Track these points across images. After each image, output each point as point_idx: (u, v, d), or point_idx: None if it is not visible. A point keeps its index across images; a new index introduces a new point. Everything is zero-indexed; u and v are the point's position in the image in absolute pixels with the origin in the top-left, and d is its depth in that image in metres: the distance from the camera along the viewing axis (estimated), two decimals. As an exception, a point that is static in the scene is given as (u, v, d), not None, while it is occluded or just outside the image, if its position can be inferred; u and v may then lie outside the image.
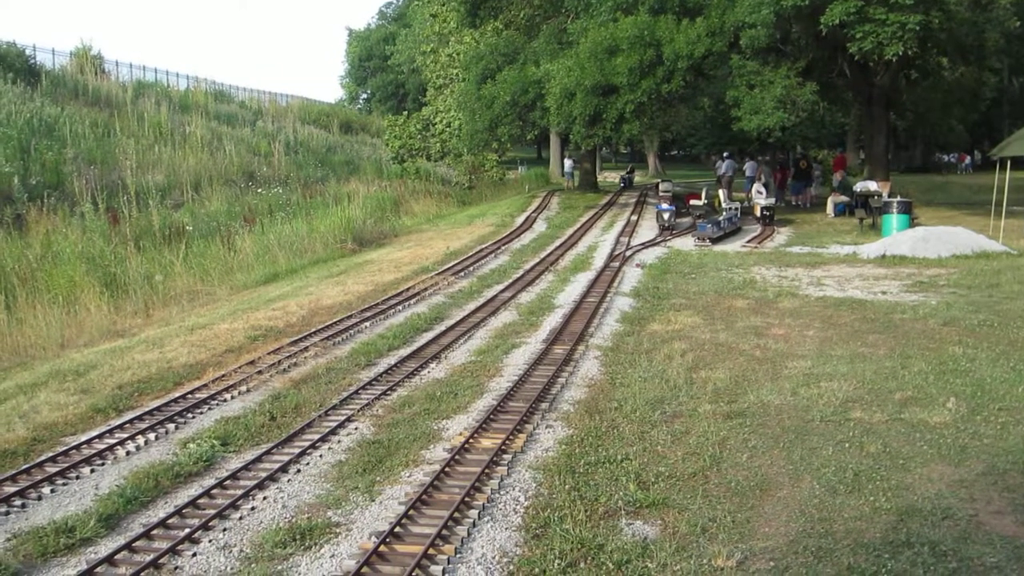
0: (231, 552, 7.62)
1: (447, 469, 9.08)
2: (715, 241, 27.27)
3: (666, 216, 30.02)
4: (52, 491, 8.99)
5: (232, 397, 12.15)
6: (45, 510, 8.55)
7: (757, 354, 13.45)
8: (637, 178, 57.31)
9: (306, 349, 14.62)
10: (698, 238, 27.35)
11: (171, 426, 10.97)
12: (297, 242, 28.53)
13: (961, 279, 19.10)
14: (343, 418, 11.00)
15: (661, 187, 35.60)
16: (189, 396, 12.11)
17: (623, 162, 75.77)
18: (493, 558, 7.36)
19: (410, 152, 52.72)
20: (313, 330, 15.98)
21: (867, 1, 27.08)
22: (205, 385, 12.59)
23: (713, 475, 8.85)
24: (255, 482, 8.97)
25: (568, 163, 53.36)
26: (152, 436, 10.60)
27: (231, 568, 7.35)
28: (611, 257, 24.14)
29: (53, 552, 7.65)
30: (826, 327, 15.15)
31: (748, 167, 40.33)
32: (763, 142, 42.75)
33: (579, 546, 7.38)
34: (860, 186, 30.83)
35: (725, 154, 44.36)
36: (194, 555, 7.56)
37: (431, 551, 7.34)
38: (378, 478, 9.15)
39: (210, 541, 7.81)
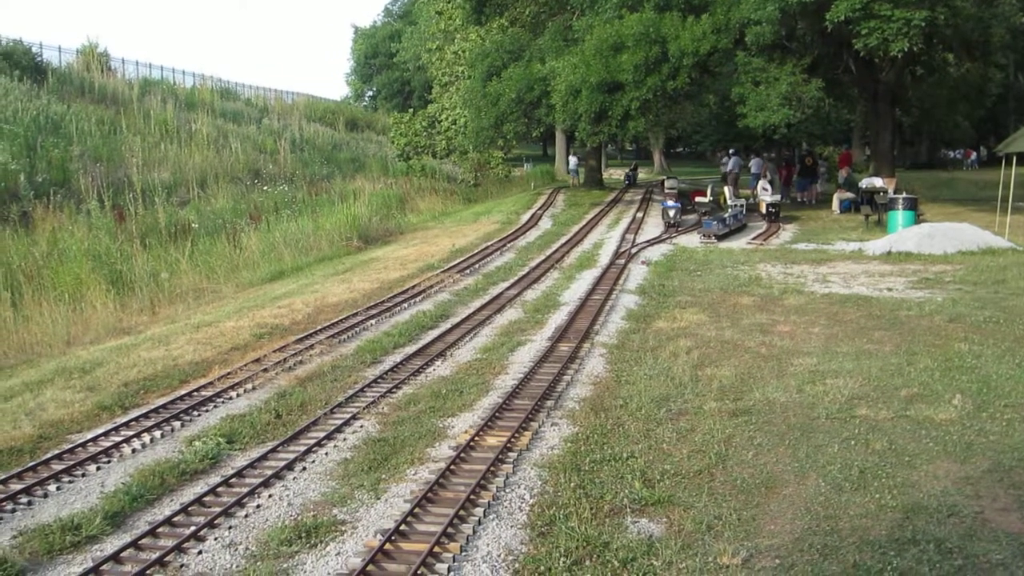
0: (237, 550, 7.63)
1: (452, 467, 9.09)
2: (721, 238, 27.24)
3: (671, 213, 30.00)
4: (58, 489, 9.02)
5: (238, 395, 12.17)
6: (51, 508, 8.57)
7: (763, 351, 13.44)
8: (642, 175, 57.29)
9: (312, 347, 14.64)
10: (704, 235, 27.33)
11: (177, 424, 10.99)
12: (303, 240, 28.56)
13: (967, 275, 19.06)
14: (349, 416, 11.02)
15: (667, 184, 35.56)
16: (195, 394, 12.13)
17: (628, 159, 75.79)
18: (499, 556, 7.36)
19: (416, 149, 52.73)
20: (319, 328, 15.99)
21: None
22: (211, 383, 12.62)
23: (718, 473, 8.85)
24: (261, 480, 8.99)
25: (573, 160, 53.33)
26: (158, 434, 10.62)
27: (237, 566, 7.36)
28: (616, 254, 24.13)
29: (59, 550, 7.67)
30: (832, 324, 15.13)
31: (754, 164, 40.26)
32: (768, 139, 42.58)
33: (584, 544, 7.38)
34: (866, 182, 30.73)
35: (731, 151, 44.31)
36: (200, 553, 7.57)
37: (436, 549, 7.35)
38: (384, 476, 9.16)
39: (216, 539, 7.83)
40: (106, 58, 50.45)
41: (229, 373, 13.08)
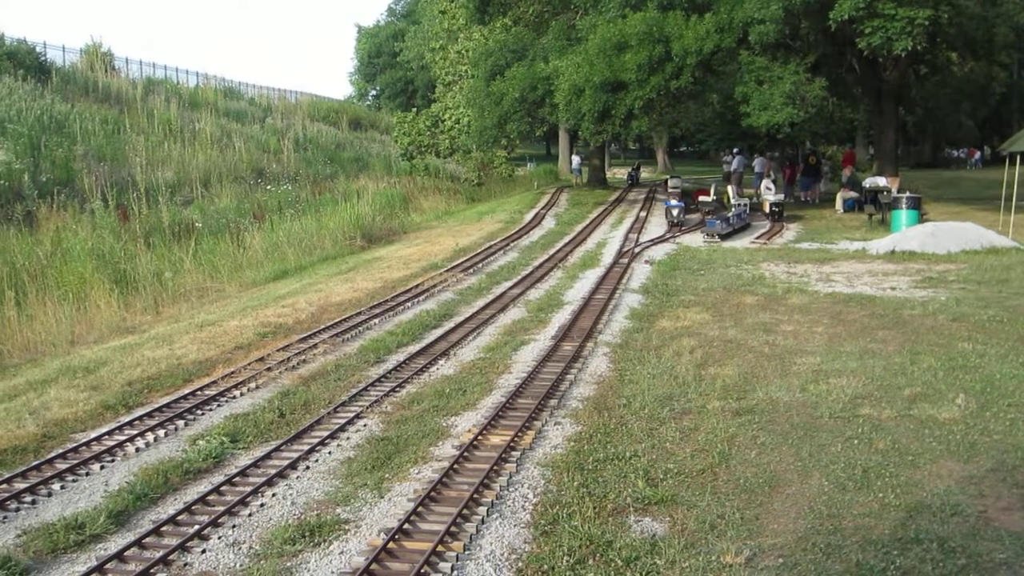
0: (240, 549, 7.65)
1: (456, 466, 9.09)
2: (724, 237, 27.22)
3: (675, 212, 29.99)
4: (62, 487, 9.03)
5: (241, 394, 12.19)
6: (55, 506, 8.59)
7: (766, 350, 13.44)
8: (646, 174, 57.24)
9: (315, 346, 14.65)
10: (707, 234, 27.31)
11: (180, 423, 11.01)
12: (306, 239, 28.58)
13: (970, 275, 19.04)
14: (352, 415, 11.03)
15: (670, 183, 35.55)
16: (198, 393, 12.15)
17: (632, 158, 75.75)
18: (502, 555, 7.37)
19: (419, 149, 52.72)
20: (322, 327, 16.01)
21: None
22: (214, 382, 12.64)
23: (722, 472, 8.85)
24: (264, 479, 9.00)
25: (576, 159, 53.32)
26: (162, 433, 10.64)
27: (240, 565, 7.37)
28: (620, 253, 24.12)
29: (63, 548, 7.69)
30: (835, 323, 15.12)
31: (757, 163, 40.23)
32: (772, 138, 42.60)
33: (588, 543, 7.39)
34: (869, 182, 30.73)
35: (735, 150, 44.28)
36: (203, 552, 7.58)
37: (440, 548, 7.35)
38: (387, 475, 9.17)
39: (219, 538, 7.84)
40: (110, 57, 50.50)
41: (233, 372, 13.10)
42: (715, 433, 9.88)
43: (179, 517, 8.19)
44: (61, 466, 9.49)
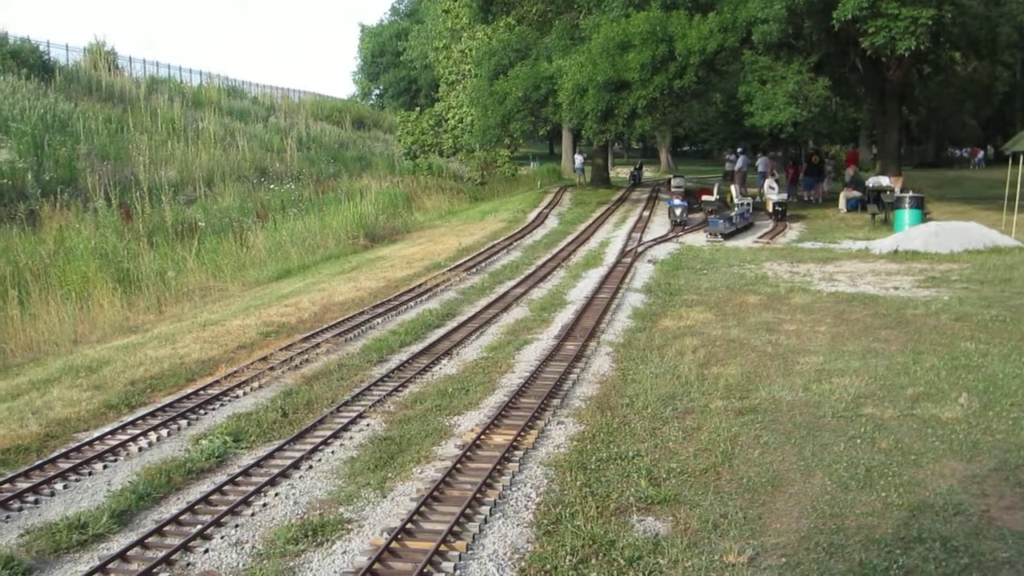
0: (243, 548, 7.65)
1: (459, 465, 9.09)
2: (727, 237, 27.21)
3: (678, 212, 30.00)
4: (65, 487, 9.04)
5: (244, 393, 12.19)
6: (58, 506, 8.59)
7: (769, 350, 13.43)
8: (649, 174, 57.21)
9: (318, 345, 14.66)
10: (710, 234, 27.29)
11: (183, 422, 11.01)
12: (309, 238, 28.61)
13: (973, 274, 19.03)
14: (355, 414, 11.03)
15: (673, 183, 35.56)
16: (201, 392, 12.15)
17: (635, 157, 75.68)
18: (505, 554, 7.37)
19: (422, 148, 52.73)
20: (325, 326, 16.01)
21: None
22: (217, 381, 12.64)
23: (724, 471, 8.84)
24: (267, 478, 9.00)
25: (579, 159, 53.30)
26: (164, 432, 10.64)
27: (243, 564, 7.37)
28: (623, 253, 24.11)
29: (66, 548, 7.69)
30: (838, 323, 15.11)
31: (760, 163, 40.23)
32: (775, 137, 42.60)
33: (590, 542, 7.38)
34: (872, 181, 30.70)
35: (738, 150, 44.27)
36: (206, 551, 7.59)
37: (443, 547, 7.35)
38: (390, 474, 9.17)
39: (222, 537, 7.84)
40: (113, 57, 50.53)
41: (235, 372, 13.10)
42: (718, 432, 9.87)
43: (182, 517, 8.19)
44: (64, 465, 9.50)
